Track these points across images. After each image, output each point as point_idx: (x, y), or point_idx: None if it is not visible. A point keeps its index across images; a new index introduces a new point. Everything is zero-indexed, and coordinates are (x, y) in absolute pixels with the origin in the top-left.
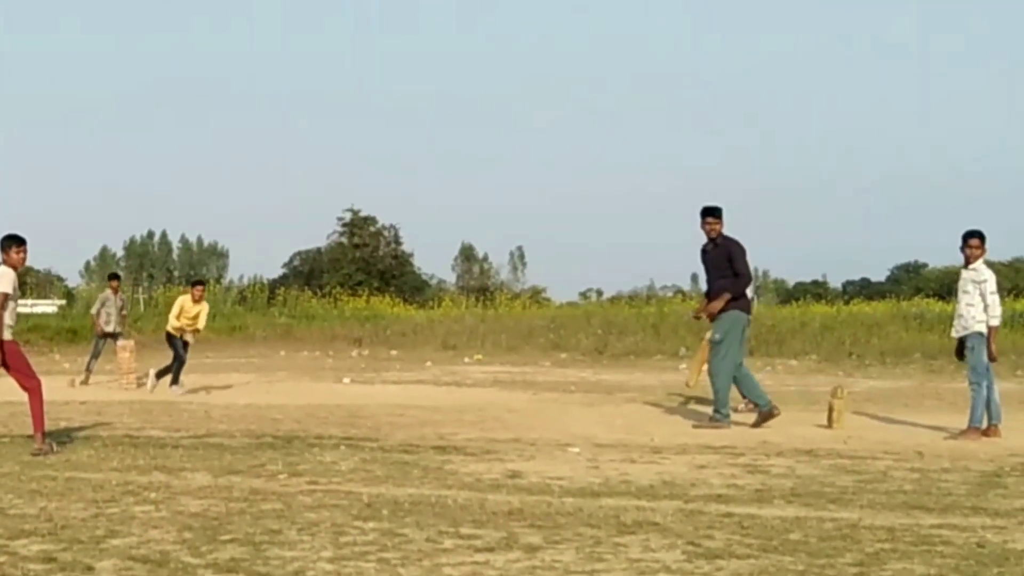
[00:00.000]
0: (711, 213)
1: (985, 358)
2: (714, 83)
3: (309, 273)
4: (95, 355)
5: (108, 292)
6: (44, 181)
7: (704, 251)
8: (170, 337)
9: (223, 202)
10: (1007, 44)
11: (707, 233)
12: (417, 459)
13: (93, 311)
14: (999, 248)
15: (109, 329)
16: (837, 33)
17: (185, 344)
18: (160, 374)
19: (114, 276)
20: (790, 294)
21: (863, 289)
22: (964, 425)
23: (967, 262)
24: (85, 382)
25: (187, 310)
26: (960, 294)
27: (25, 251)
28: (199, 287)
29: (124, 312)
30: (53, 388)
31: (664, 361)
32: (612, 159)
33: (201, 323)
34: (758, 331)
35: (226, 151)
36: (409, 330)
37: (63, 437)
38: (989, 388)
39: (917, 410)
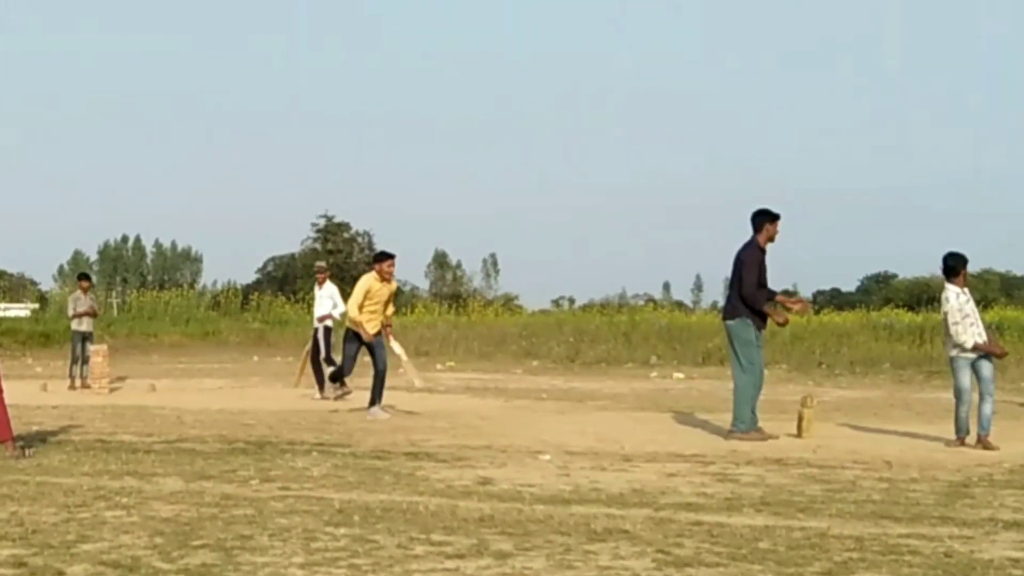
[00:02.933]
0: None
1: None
2: (690, 94)
3: (283, 279)
4: (75, 360)
5: (78, 292)
6: (16, 184)
7: (764, 251)
8: (346, 332)
9: (197, 207)
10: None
11: (773, 238)
12: (389, 465)
13: (70, 313)
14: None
15: (82, 329)
16: (814, 43)
17: (371, 347)
18: (336, 378)
19: (84, 276)
20: None
21: (833, 299)
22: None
23: (964, 284)
24: (74, 387)
25: (374, 294)
26: (968, 314)
27: None
28: (388, 260)
29: (96, 311)
30: (25, 392)
31: (635, 369)
32: (585, 168)
33: (390, 311)
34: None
35: (200, 156)
36: None
37: (34, 441)
38: (982, 400)
39: (886, 420)
